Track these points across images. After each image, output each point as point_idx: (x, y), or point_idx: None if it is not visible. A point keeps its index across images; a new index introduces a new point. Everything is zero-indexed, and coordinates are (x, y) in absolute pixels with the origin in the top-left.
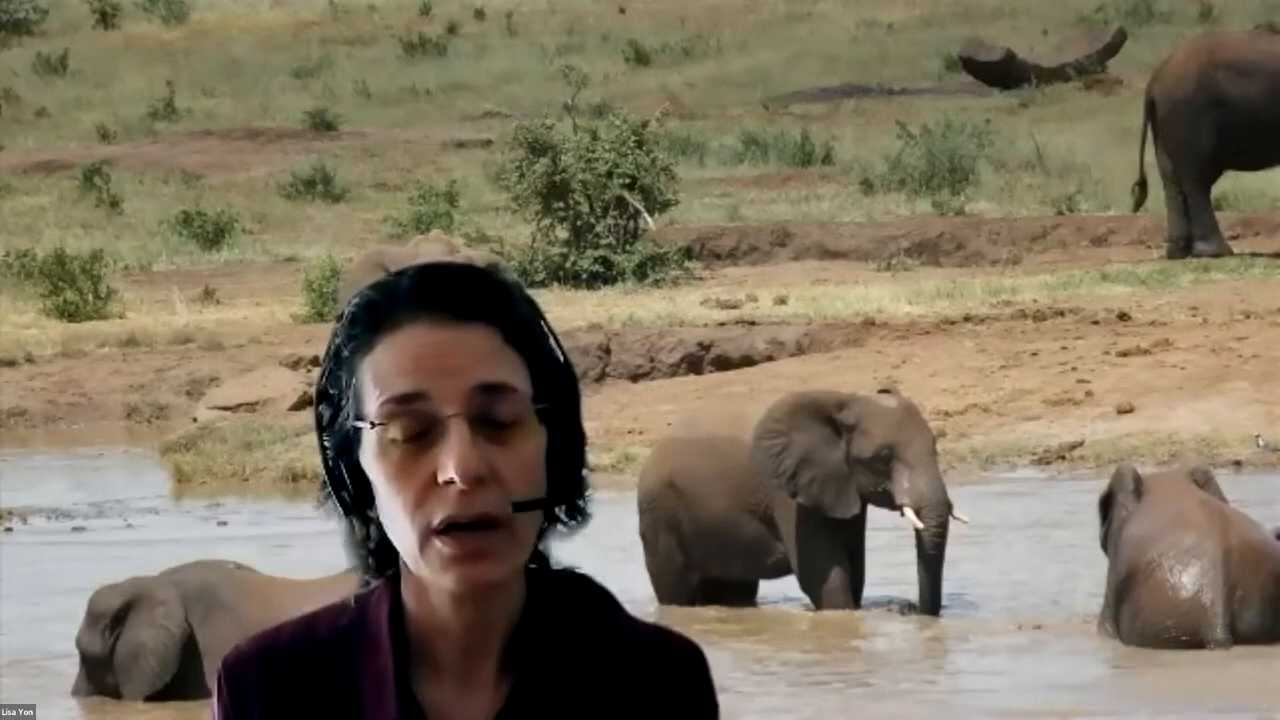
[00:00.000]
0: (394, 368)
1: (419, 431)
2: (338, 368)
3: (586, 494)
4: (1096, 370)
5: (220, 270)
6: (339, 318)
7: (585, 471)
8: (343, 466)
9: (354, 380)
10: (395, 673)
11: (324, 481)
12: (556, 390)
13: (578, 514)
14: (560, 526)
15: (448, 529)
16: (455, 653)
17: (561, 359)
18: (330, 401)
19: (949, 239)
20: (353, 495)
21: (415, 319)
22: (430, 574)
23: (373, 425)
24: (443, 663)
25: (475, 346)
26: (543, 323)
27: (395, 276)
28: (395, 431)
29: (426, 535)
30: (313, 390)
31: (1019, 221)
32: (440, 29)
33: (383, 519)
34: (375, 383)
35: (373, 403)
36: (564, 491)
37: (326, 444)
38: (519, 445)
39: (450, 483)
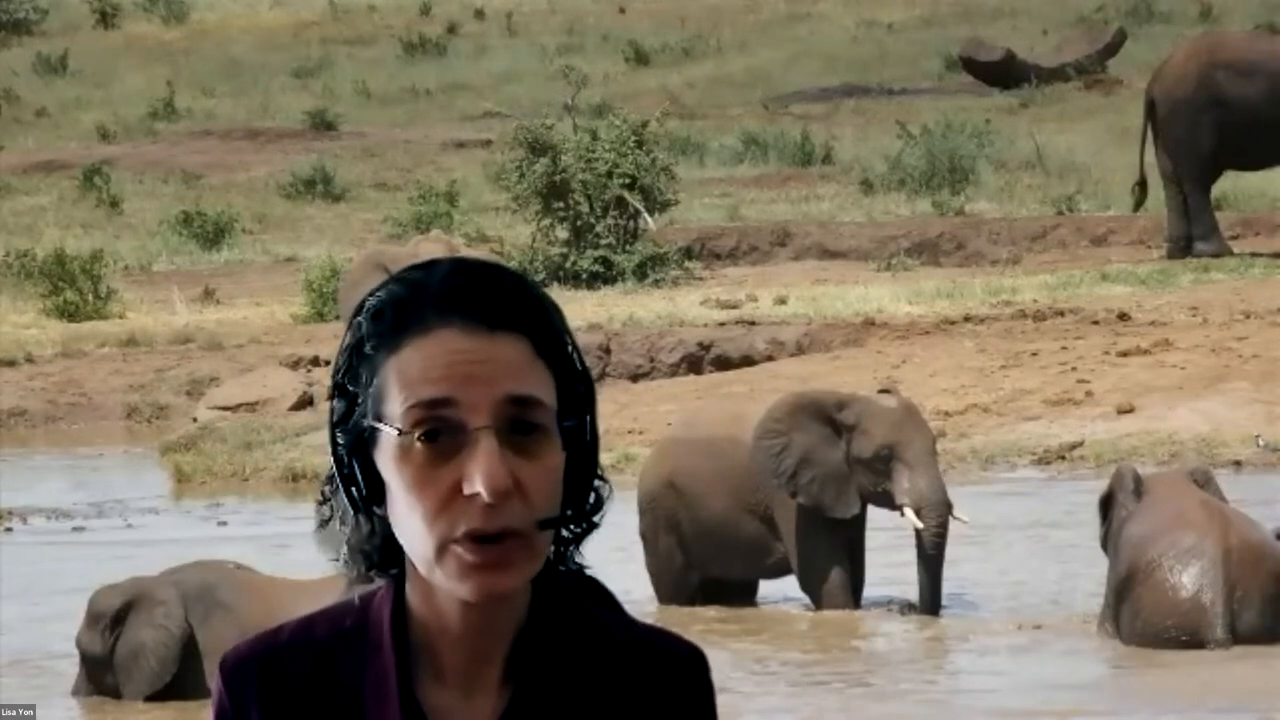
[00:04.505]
0: (423, 373)
1: (443, 438)
2: (358, 364)
3: (601, 507)
4: (1096, 370)
5: (220, 270)
6: (359, 309)
7: (599, 483)
8: (355, 463)
9: (375, 379)
10: (398, 675)
11: (330, 476)
12: (577, 400)
13: (585, 522)
14: (566, 534)
15: (469, 538)
16: (459, 657)
17: (580, 367)
18: (346, 396)
19: (949, 239)
20: (362, 493)
21: (447, 324)
22: (445, 581)
23: (400, 433)
24: (446, 666)
25: (507, 358)
26: (569, 335)
27: (424, 272)
28: (419, 438)
29: (446, 544)
30: (315, 388)
31: (1019, 221)
32: (440, 29)
33: (394, 521)
34: (402, 386)
35: (397, 406)
36: (578, 503)
37: (339, 439)
38: (542, 458)
39: (475, 495)
